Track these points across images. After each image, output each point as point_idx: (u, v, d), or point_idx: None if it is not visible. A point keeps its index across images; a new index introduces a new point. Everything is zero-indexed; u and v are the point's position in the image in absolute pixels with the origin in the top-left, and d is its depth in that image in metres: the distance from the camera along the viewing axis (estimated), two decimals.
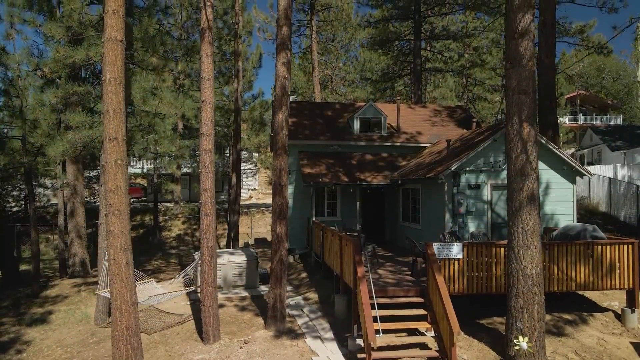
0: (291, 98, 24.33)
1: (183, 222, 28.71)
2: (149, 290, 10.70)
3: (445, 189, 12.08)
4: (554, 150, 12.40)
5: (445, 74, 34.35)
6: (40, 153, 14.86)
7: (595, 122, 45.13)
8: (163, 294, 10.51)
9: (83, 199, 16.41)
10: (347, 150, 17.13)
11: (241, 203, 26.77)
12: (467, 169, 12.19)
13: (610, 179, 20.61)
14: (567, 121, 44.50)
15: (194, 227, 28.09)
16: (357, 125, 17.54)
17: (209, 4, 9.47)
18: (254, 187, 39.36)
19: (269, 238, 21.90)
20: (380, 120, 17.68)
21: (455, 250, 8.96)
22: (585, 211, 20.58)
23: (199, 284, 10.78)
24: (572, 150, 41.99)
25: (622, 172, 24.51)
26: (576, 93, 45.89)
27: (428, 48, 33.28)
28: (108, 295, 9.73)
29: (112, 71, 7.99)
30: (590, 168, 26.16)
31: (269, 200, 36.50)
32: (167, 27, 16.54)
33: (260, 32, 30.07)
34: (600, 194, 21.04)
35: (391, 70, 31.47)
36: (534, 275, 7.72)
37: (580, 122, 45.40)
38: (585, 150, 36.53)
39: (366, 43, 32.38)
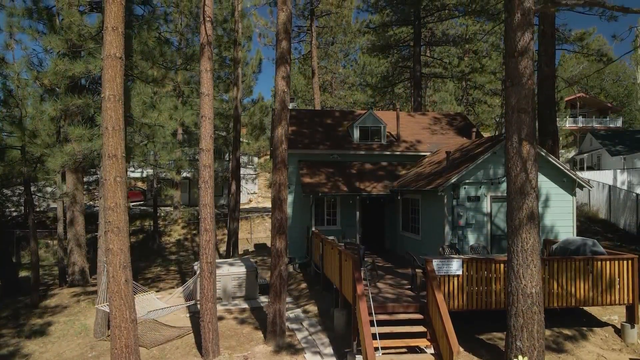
0: (291, 105, 24.29)
1: (183, 227, 28.68)
2: (149, 304, 10.67)
3: (445, 201, 12.05)
4: (554, 162, 12.38)
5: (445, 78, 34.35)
6: (39, 161, 14.82)
7: (595, 125, 45.21)
8: (162, 309, 10.49)
9: (83, 208, 16.39)
10: (347, 159, 17.11)
11: (241, 207, 26.76)
12: (467, 181, 12.16)
13: (610, 186, 20.58)
14: (567, 124, 44.53)
15: (194, 232, 28.07)
16: (356, 134, 17.53)
17: (208, 19, 9.44)
18: (254, 191, 39.34)
19: (269, 244, 21.89)
20: (380, 129, 17.67)
21: (455, 266, 8.95)
22: (585, 218, 20.57)
23: (198, 298, 10.76)
24: (572, 154, 41.99)
25: (622, 177, 24.50)
26: (576, 96, 45.95)
27: (427, 53, 33.25)
28: (107, 309, 9.72)
29: (111, 88, 7.97)
30: (590, 173, 26.15)
31: (268, 203, 36.42)
32: (167, 34, 16.53)
33: (261, 37, 30.06)
34: (600, 201, 21.02)
35: (391, 75, 31.47)
36: (534, 294, 7.71)
37: (580, 125, 45.47)
38: (585, 154, 36.52)
39: (366, 48, 32.37)
